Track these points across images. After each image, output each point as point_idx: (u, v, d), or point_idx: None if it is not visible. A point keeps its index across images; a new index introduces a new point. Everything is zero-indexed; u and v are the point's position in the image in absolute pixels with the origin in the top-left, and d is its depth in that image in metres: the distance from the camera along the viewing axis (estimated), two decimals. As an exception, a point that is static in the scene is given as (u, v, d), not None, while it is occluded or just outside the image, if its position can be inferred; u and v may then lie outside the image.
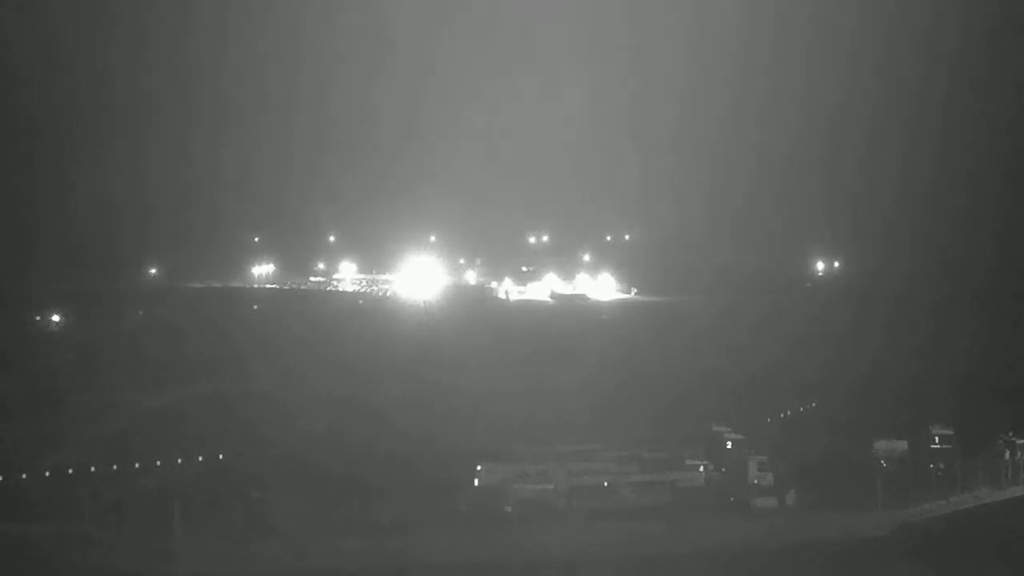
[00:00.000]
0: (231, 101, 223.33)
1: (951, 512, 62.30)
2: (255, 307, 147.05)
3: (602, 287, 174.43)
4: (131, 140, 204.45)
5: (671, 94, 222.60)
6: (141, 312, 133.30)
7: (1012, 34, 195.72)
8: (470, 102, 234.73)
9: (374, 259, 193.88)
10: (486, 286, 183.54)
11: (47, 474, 60.56)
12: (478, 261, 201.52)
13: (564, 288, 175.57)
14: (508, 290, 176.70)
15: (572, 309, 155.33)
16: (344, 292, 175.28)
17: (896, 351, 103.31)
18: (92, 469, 61.57)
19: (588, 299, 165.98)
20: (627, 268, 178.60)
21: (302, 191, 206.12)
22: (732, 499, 62.28)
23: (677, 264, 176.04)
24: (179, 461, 64.82)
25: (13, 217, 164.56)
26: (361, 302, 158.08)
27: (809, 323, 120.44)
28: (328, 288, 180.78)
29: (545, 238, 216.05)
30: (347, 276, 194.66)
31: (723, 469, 65.21)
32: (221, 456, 66.20)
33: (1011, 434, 68.31)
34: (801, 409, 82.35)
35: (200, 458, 65.70)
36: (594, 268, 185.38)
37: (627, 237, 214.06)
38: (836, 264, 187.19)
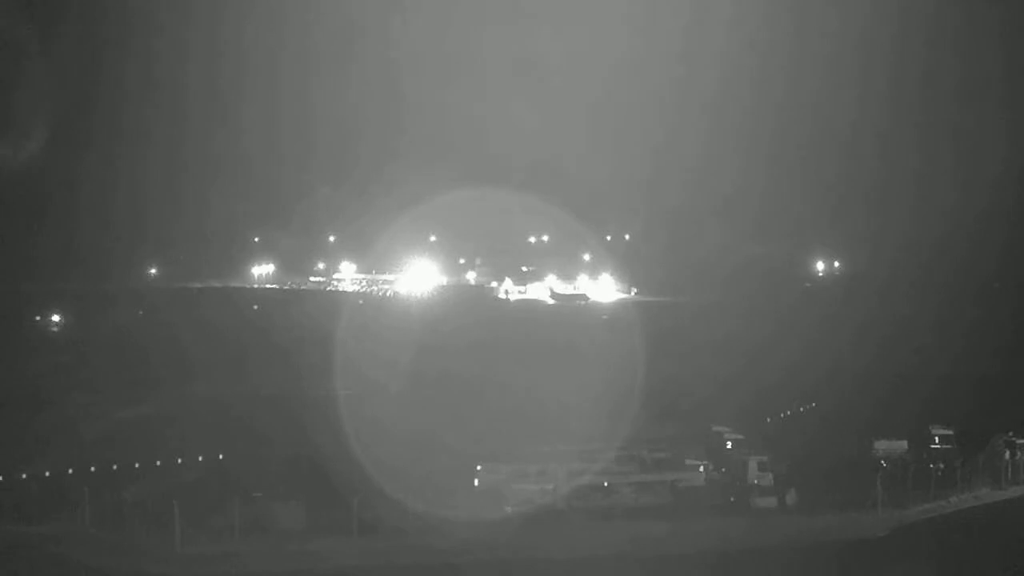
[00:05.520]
0: (231, 100, 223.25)
1: (951, 512, 62.29)
2: (255, 307, 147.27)
3: (602, 287, 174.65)
4: (130, 140, 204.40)
5: (674, 93, 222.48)
6: (141, 312, 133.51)
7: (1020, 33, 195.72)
8: (470, 100, 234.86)
9: (374, 259, 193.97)
10: (486, 286, 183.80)
11: (47, 474, 60.58)
12: (478, 261, 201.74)
13: (564, 288, 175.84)
14: (508, 290, 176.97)
15: (572, 309, 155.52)
16: (344, 292, 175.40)
17: (896, 351, 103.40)
18: (92, 469, 61.61)
19: (588, 299, 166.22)
20: (627, 268, 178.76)
21: (302, 191, 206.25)
22: (732, 499, 62.26)
23: (677, 264, 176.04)
24: (179, 461, 64.87)
25: (13, 217, 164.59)
26: (361, 302, 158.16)
27: (809, 323, 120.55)
28: (328, 288, 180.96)
29: (545, 238, 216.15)
30: (347, 276, 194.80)
31: (723, 469, 65.22)
32: (221, 456, 66.24)
33: (1011, 434, 68.31)
34: (801, 409, 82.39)
35: (200, 458, 65.74)
36: (594, 268, 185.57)
37: (627, 237, 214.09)
38: (836, 264, 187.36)
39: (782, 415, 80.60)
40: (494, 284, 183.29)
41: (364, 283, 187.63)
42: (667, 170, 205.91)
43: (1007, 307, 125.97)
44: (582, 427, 69.25)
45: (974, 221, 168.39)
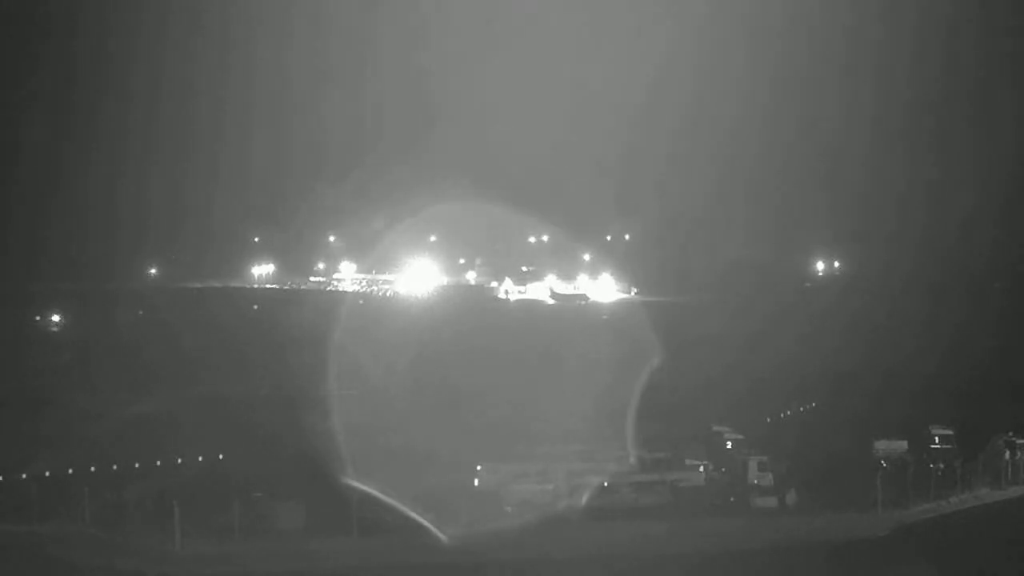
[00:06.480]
0: (231, 100, 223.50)
1: (951, 512, 62.24)
2: (255, 307, 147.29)
3: (602, 287, 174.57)
4: (130, 140, 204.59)
5: (672, 93, 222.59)
6: (141, 312, 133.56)
7: (1014, 34, 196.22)
8: (470, 100, 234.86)
9: (374, 259, 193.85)
10: (486, 286, 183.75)
11: (47, 474, 60.58)
12: (478, 261, 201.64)
13: (564, 288, 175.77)
14: (508, 290, 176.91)
15: (572, 309, 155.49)
16: (344, 292, 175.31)
17: (896, 351, 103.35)
18: (92, 469, 61.62)
19: (588, 299, 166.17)
20: (627, 268, 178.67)
21: (302, 191, 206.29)
22: (732, 499, 62.25)
23: (677, 264, 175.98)
24: (179, 461, 64.88)
25: (14, 217, 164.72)
26: (361, 302, 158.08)
27: (809, 323, 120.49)
28: (328, 288, 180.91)
29: (545, 238, 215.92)
30: (347, 276, 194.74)
31: (723, 469, 65.21)
32: (221, 456, 66.26)
33: (1011, 434, 68.29)
34: (801, 409, 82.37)
35: (200, 458, 65.75)
36: (594, 268, 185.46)
37: (627, 237, 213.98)
38: (836, 264, 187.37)
39: (782, 415, 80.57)
40: (494, 284, 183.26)
41: (364, 283, 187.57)
42: (668, 170, 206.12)
43: (1008, 306, 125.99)
44: (582, 427, 69.27)
45: (974, 220, 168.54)
